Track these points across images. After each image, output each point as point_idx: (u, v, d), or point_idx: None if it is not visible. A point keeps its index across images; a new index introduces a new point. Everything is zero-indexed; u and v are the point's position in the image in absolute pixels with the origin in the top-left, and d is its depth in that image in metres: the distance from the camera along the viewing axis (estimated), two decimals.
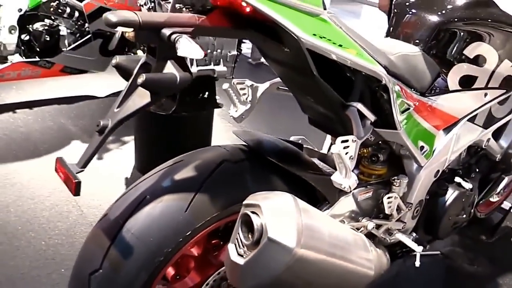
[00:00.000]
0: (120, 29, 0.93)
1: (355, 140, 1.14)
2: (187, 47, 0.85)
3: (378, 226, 1.42)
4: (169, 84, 0.92)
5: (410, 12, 1.52)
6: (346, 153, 1.11)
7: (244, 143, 1.24)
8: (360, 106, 1.20)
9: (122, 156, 2.75)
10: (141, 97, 0.94)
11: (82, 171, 0.95)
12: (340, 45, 1.04)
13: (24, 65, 2.89)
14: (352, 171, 1.15)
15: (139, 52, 2.45)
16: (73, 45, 3.09)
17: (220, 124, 3.17)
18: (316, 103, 1.29)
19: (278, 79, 1.38)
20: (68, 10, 3.01)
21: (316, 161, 1.47)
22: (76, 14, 3.05)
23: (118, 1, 3.14)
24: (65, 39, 3.07)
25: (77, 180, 0.93)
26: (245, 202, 0.98)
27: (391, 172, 1.49)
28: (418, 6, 1.52)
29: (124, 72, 1.01)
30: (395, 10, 1.56)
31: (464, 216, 1.69)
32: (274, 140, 1.33)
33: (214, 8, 1.00)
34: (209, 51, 2.28)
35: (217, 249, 1.29)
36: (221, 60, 2.37)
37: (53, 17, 2.99)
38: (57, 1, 2.95)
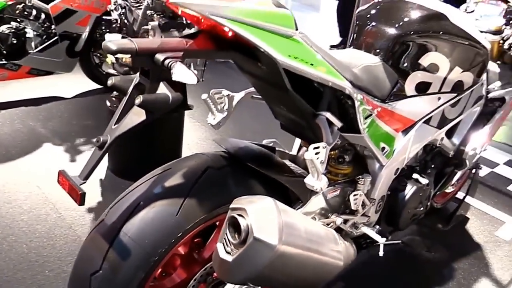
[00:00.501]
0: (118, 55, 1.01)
1: (325, 147, 1.27)
2: (182, 73, 0.95)
3: (345, 221, 1.57)
4: (163, 104, 1.03)
5: (371, 24, 1.65)
6: (318, 158, 1.24)
7: (224, 150, 1.35)
8: (328, 115, 1.34)
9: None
10: (137, 115, 1.04)
11: (85, 182, 1.05)
12: (312, 64, 1.17)
13: None
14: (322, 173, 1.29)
15: (108, 35, 2.52)
16: (40, 47, 3.12)
17: (189, 124, 3.26)
18: (289, 112, 1.41)
19: (252, 89, 1.50)
20: (34, 12, 3.04)
21: (287, 162, 1.60)
22: (43, 16, 3.08)
23: (84, 3, 3.18)
24: (32, 41, 3.10)
25: (81, 192, 1.02)
26: (231, 206, 1.09)
27: (356, 171, 1.64)
28: (378, 18, 1.66)
29: (119, 91, 1.10)
30: (357, 21, 1.70)
31: (422, 208, 1.86)
32: (251, 145, 1.45)
33: (200, 32, 1.10)
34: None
35: (200, 247, 1.40)
36: (191, 64, 2.47)
37: (19, 20, 3.01)
38: (23, 4, 2.98)
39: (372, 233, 1.58)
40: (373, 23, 1.66)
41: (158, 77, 1.04)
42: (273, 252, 1.04)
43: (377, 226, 1.75)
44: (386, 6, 1.70)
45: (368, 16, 1.70)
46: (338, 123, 1.37)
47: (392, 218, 1.80)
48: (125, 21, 2.41)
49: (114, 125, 1.06)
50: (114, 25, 2.43)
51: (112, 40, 0.96)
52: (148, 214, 1.13)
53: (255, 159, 1.35)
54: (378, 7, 1.71)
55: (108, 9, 2.53)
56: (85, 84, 3.70)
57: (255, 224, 1.03)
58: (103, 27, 3.29)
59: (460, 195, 2.73)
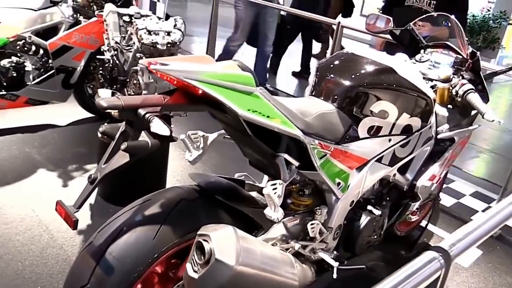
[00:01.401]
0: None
1: (281, 183, 1.51)
2: (158, 126, 1.20)
3: (304, 247, 1.80)
4: (143, 149, 1.27)
5: (329, 75, 1.91)
6: (275, 193, 1.48)
7: (196, 184, 1.59)
8: (286, 156, 1.58)
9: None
10: (122, 157, 1.28)
11: (78, 211, 1.28)
12: (268, 116, 1.42)
13: None
14: (282, 204, 1.53)
15: (101, 91, 2.77)
16: (37, 79, 3.36)
17: (175, 153, 3.50)
18: (253, 152, 1.66)
19: (223, 131, 1.75)
20: (33, 48, 3.28)
21: (255, 194, 1.83)
22: (41, 51, 3.33)
23: (80, 40, 3.43)
24: (30, 74, 3.34)
25: (75, 219, 1.25)
26: (198, 232, 1.32)
27: (316, 203, 1.87)
28: (335, 70, 1.92)
29: (109, 136, 1.34)
30: (318, 73, 1.96)
31: (376, 236, 2.10)
32: (221, 180, 1.69)
33: (176, 89, 1.35)
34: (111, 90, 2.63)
35: (175, 267, 1.63)
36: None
37: (19, 54, 3.25)
38: (23, 40, 3.22)
39: (327, 258, 1.81)
40: (331, 75, 1.92)
41: (140, 127, 1.29)
42: (231, 271, 1.27)
43: (335, 252, 1.98)
44: (343, 59, 1.96)
45: (327, 67, 1.96)
46: (295, 163, 1.61)
47: (349, 244, 2.03)
48: (117, 61, 2.67)
49: (104, 164, 1.30)
50: (106, 65, 2.67)
51: (103, 98, 1.20)
52: (130, 237, 1.36)
53: (223, 192, 1.59)
54: (336, 60, 1.97)
55: (102, 50, 2.78)
56: (78, 113, 3.93)
57: (217, 248, 1.26)
58: (97, 64, 3.55)
59: (423, 223, 2.97)
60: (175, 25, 2.58)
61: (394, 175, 2.13)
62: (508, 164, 4.28)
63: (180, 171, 3.35)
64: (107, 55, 2.71)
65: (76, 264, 1.41)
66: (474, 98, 2.15)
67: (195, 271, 1.30)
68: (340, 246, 2.03)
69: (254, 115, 1.38)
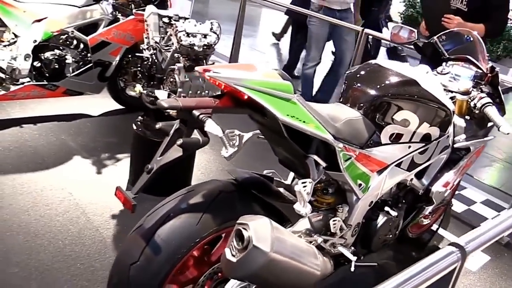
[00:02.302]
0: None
1: (311, 182, 1.68)
2: (212, 126, 1.38)
3: (325, 241, 1.96)
4: (195, 145, 1.45)
5: (357, 84, 2.07)
6: (305, 190, 1.65)
7: (233, 179, 1.76)
8: (315, 157, 1.75)
9: (117, 172, 3.22)
10: (176, 152, 1.46)
11: (136, 196, 1.46)
12: (304, 121, 1.59)
13: (33, 87, 3.36)
14: (309, 201, 1.70)
15: (158, 92, 2.94)
16: (76, 72, 3.56)
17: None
18: (285, 152, 1.83)
19: (258, 131, 1.92)
20: (75, 42, 3.48)
21: (282, 190, 2.00)
22: (81, 46, 3.53)
23: (118, 36, 3.63)
24: (70, 66, 3.54)
25: (134, 203, 1.43)
26: (238, 221, 1.49)
27: (337, 201, 2.04)
28: (362, 80, 2.08)
29: (164, 132, 1.52)
30: (346, 81, 2.12)
31: (391, 236, 2.25)
32: (254, 175, 1.86)
33: (224, 94, 1.52)
34: (198, 92, 2.81)
35: (208, 253, 1.81)
36: None
37: (61, 48, 3.45)
38: (66, 35, 3.42)
39: (346, 252, 1.98)
40: (358, 84, 2.08)
41: (193, 126, 1.46)
42: (266, 257, 1.44)
43: (353, 248, 2.14)
44: (369, 70, 2.12)
45: (354, 77, 2.12)
46: (323, 163, 1.78)
47: (366, 241, 2.19)
48: (155, 60, 2.84)
49: (159, 157, 1.47)
50: (145, 62, 2.85)
51: (164, 100, 1.38)
52: (176, 223, 1.54)
53: (256, 187, 1.76)
54: (363, 71, 2.13)
55: (141, 48, 2.96)
56: (109, 105, 4.14)
57: (254, 236, 1.43)
58: (130, 59, 3.73)
59: (434, 227, 3.12)
60: (211, 28, 2.74)
61: (411, 179, 2.29)
62: None
63: (204, 165, 3.53)
64: (146, 53, 2.89)
65: (127, 244, 1.59)
66: (491, 111, 2.29)
67: (233, 255, 1.47)
68: (358, 243, 2.19)
69: (292, 120, 1.55)
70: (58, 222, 2.57)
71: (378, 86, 2.03)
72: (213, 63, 2.80)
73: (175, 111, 1.41)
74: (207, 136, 1.48)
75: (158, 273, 1.52)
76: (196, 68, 1.51)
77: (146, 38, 2.91)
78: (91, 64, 3.58)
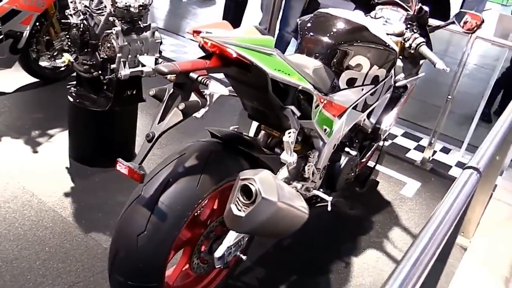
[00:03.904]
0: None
1: (295, 131, 1.75)
2: (216, 87, 1.37)
3: (298, 182, 2.06)
4: (196, 108, 1.44)
5: (313, 34, 2.14)
6: (291, 141, 1.72)
7: (218, 138, 1.78)
8: (293, 107, 1.81)
9: (54, 147, 3.06)
10: (177, 116, 1.44)
11: (141, 166, 1.43)
12: (288, 74, 1.63)
13: None
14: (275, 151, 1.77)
15: (143, 58, 2.76)
16: None
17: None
18: (260, 106, 1.87)
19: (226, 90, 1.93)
20: None
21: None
22: None
23: (27, 3, 3.35)
24: None
25: (143, 172, 1.40)
26: (241, 177, 1.53)
27: (306, 148, 2.13)
28: (317, 30, 2.15)
29: (158, 98, 1.48)
30: (300, 32, 2.18)
31: (352, 174, 2.41)
32: (234, 133, 1.88)
33: (212, 54, 1.51)
34: (138, 55, 2.72)
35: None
36: None
37: None
38: None
39: (322, 194, 2.10)
40: (313, 34, 2.15)
41: (190, 89, 1.45)
42: (274, 207, 1.50)
43: (321, 189, 2.27)
44: (322, 20, 2.19)
45: (308, 28, 2.18)
46: (298, 113, 1.85)
47: (331, 182, 2.33)
48: (88, 25, 2.68)
49: (158, 123, 1.45)
50: (75, 29, 2.67)
51: (162, 65, 1.35)
52: (177, 187, 1.54)
53: (241, 143, 1.80)
54: (316, 21, 2.20)
55: (67, 14, 2.77)
56: (23, 78, 3.85)
57: (262, 188, 1.48)
58: (39, 27, 3.48)
59: (371, 163, 3.35)
60: None
61: (364, 120, 2.44)
62: (424, 107, 4.82)
63: (145, 130, 3.45)
64: (74, 19, 2.70)
65: (128, 215, 1.56)
66: (426, 50, 2.49)
67: (240, 210, 1.51)
68: (323, 184, 2.32)
69: (279, 74, 1.59)
70: (10, 209, 2.42)
71: (333, 35, 2.12)
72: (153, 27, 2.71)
73: (174, 75, 1.38)
74: (204, 98, 1.47)
75: (167, 239, 1.53)
76: (187, 30, 1.47)
77: (71, 2, 2.72)
78: (1, 36, 3.29)
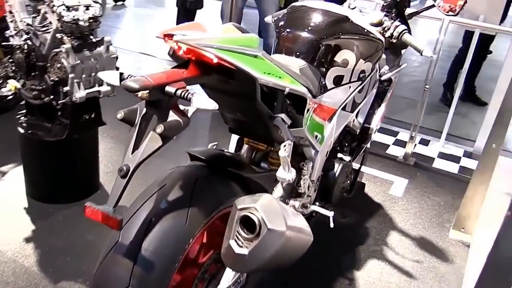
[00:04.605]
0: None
1: (290, 143, 1.50)
2: (202, 101, 1.10)
3: (294, 200, 1.81)
4: (178, 128, 1.17)
5: (289, 30, 1.90)
6: (287, 155, 1.47)
7: (201, 160, 1.51)
8: (283, 116, 1.56)
9: (6, 186, 2.71)
10: (155, 142, 1.16)
11: (115, 210, 1.14)
12: (280, 77, 1.38)
13: None
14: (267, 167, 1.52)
15: (104, 74, 2.43)
16: None
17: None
18: (245, 117, 1.61)
19: None
20: None
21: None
22: None
23: None
24: None
25: (120, 218, 1.12)
26: (239, 207, 1.27)
27: (296, 160, 1.88)
28: (295, 26, 1.91)
29: (128, 122, 1.20)
30: (277, 30, 1.94)
31: (348, 182, 2.18)
32: (218, 152, 1.62)
33: (188, 61, 1.24)
34: (93, 74, 2.42)
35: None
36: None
37: None
38: None
39: (321, 210, 1.86)
40: (290, 30, 1.91)
41: (168, 106, 1.17)
42: (283, 237, 1.25)
43: (316, 203, 2.03)
44: (299, 14, 1.95)
45: (285, 22, 1.94)
46: (288, 121, 1.60)
47: (326, 194, 2.09)
48: (32, 46, 2.36)
49: (132, 153, 1.16)
50: (18, 52, 2.35)
51: (130, 80, 1.07)
52: (162, 228, 1.26)
53: (228, 163, 1.53)
54: (292, 16, 1.96)
55: (7, 35, 2.44)
56: None
57: (266, 218, 1.22)
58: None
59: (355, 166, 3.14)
60: None
61: (353, 120, 2.22)
62: (393, 99, 4.68)
63: (114, 160, 3.14)
64: (17, 41, 2.38)
65: (106, 268, 1.27)
66: (410, 37, 2.29)
67: (241, 247, 1.25)
68: (318, 197, 2.08)
69: (269, 78, 1.34)
70: None
71: (314, 29, 1.88)
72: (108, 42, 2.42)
73: (147, 91, 1.11)
74: (186, 115, 1.20)
75: None
76: (157, 34, 1.21)
77: (11, 22, 2.40)
78: None
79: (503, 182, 2.87)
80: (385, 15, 2.40)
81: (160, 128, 1.12)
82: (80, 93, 2.34)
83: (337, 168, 2.08)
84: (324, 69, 1.89)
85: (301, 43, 1.87)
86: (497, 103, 3.89)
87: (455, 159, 3.89)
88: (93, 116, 2.56)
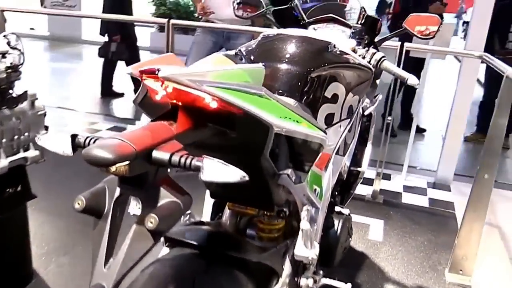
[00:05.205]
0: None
1: (308, 209, 1.12)
2: (218, 170, 0.69)
3: (306, 277, 1.42)
4: (177, 215, 0.74)
5: (270, 65, 1.53)
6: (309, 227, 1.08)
7: (192, 245, 1.08)
8: (290, 172, 1.19)
9: None
10: (141, 241, 0.73)
11: None
12: (297, 121, 1.01)
13: None
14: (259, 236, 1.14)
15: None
16: None
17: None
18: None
19: None
20: None
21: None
22: None
23: None
24: None
25: None
26: None
27: (292, 225, 1.49)
28: (274, 59, 1.55)
29: (93, 213, 0.76)
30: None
31: (350, 239, 1.82)
32: (203, 229, 1.20)
33: (175, 109, 0.84)
34: (16, 137, 1.95)
35: None
36: (30, 143, 2.05)
37: None
38: None
39: (336, 283, 1.47)
40: (269, 63, 1.54)
41: (156, 181, 0.75)
42: None
43: (321, 272, 1.64)
44: (276, 43, 1.61)
45: (259, 55, 1.58)
46: (293, 178, 1.23)
47: (327, 257, 1.71)
48: None
49: (105, 265, 0.72)
50: None
51: (101, 145, 0.64)
52: None
53: (227, 245, 1.12)
54: (267, 45, 1.61)
55: None
56: None
57: None
58: None
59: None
60: (8, 43, 1.88)
61: (345, 164, 1.88)
62: None
63: (47, 237, 2.59)
64: None
65: None
66: (390, 65, 2.01)
67: None
68: (318, 262, 1.70)
69: (287, 123, 0.96)
70: None
71: (299, 61, 1.54)
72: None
73: (126, 162, 0.69)
74: (186, 193, 0.78)
75: None
76: (127, 70, 0.80)
77: None
78: None
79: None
80: (358, 42, 2.13)
81: (152, 221, 0.70)
82: (1, 162, 1.85)
83: (338, 224, 1.71)
84: (314, 107, 1.54)
85: (284, 78, 1.52)
86: (454, 130, 3.81)
87: (421, 191, 3.69)
88: (19, 189, 2.06)
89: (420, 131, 5.05)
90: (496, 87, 4.57)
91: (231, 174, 0.71)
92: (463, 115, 3.76)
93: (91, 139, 0.75)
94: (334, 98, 1.61)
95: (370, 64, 2.02)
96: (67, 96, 5.81)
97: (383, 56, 2.02)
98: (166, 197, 0.75)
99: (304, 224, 1.07)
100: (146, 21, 5.37)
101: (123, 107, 5.81)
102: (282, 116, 0.96)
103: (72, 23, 10.00)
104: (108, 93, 5.83)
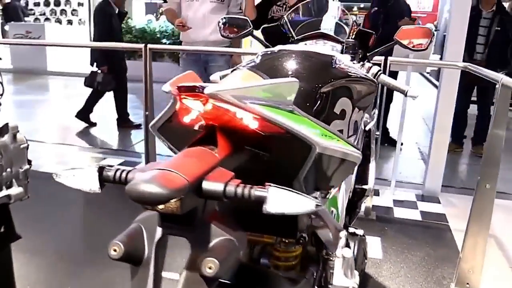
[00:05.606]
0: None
1: (344, 234, 1.03)
2: (288, 201, 0.60)
3: None
4: (234, 255, 0.64)
5: None
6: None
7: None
8: (318, 194, 1.10)
9: None
10: None
11: None
12: (337, 140, 0.93)
13: None
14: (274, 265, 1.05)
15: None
16: None
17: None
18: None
19: None
20: None
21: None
22: None
23: None
24: None
25: None
26: None
27: (310, 253, 1.39)
28: (275, 73, 1.47)
29: (130, 259, 0.65)
30: None
31: (366, 261, 1.73)
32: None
33: (212, 130, 0.74)
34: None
35: None
36: (13, 180, 1.91)
37: None
38: None
39: None
40: None
41: (205, 217, 0.65)
42: None
43: None
44: (280, 60, 1.53)
45: (264, 72, 1.50)
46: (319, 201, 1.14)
47: None
48: None
49: None
50: None
51: (151, 179, 0.54)
52: None
53: (255, 280, 1.01)
54: (270, 61, 1.53)
55: None
56: None
57: None
58: None
59: None
60: None
61: (354, 183, 1.81)
62: None
63: (25, 277, 2.41)
64: None
65: None
66: (388, 78, 1.97)
67: None
68: None
69: (330, 142, 0.87)
70: None
71: (306, 77, 1.46)
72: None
73: (178, 197, 0.58)
74: (238, 227, 0.68)
75: None
76: (163, 88, 0.70)
77: None
78: None
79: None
80: (352, 59, 2.07)
81: (211, 266, 0.59)
82: None
83: (353, 246, 1.62)
84: (327, 124, 1.46)
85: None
86: (438, 142, 3.80)
87: (411, 204, 3.66)
88: (2, 230, 1.91)
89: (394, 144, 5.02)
90: (466, 97, 4.62)
91: (304, 204, 0.62)
92: (446, 126, 3.77)
93: (122, 171, 0.64)
94: (342, 114, 1.53)
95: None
96: (36, 128, 5.61)
97: (380, 70, 1.97)
98: (218, 235, 0.65)
99: (346, 252, 0.98)
100: (122, 47, 5.24)
101: (94, 137, 5.66)
102: (323, 134, 0.87)
103: (36, 55, 9.78)
104: (83, 118, 5.72)
